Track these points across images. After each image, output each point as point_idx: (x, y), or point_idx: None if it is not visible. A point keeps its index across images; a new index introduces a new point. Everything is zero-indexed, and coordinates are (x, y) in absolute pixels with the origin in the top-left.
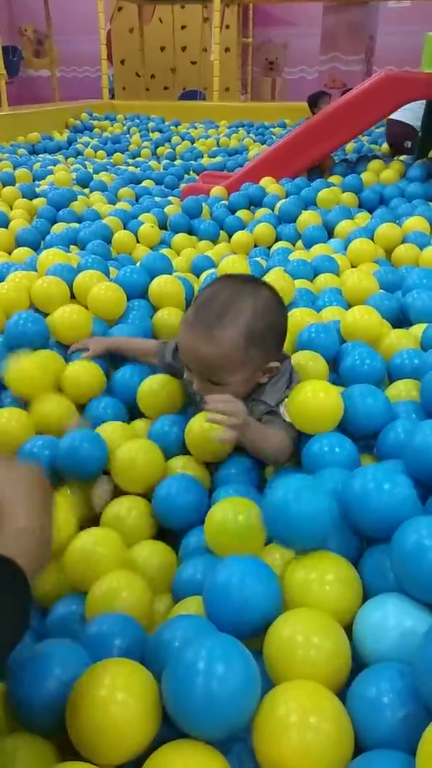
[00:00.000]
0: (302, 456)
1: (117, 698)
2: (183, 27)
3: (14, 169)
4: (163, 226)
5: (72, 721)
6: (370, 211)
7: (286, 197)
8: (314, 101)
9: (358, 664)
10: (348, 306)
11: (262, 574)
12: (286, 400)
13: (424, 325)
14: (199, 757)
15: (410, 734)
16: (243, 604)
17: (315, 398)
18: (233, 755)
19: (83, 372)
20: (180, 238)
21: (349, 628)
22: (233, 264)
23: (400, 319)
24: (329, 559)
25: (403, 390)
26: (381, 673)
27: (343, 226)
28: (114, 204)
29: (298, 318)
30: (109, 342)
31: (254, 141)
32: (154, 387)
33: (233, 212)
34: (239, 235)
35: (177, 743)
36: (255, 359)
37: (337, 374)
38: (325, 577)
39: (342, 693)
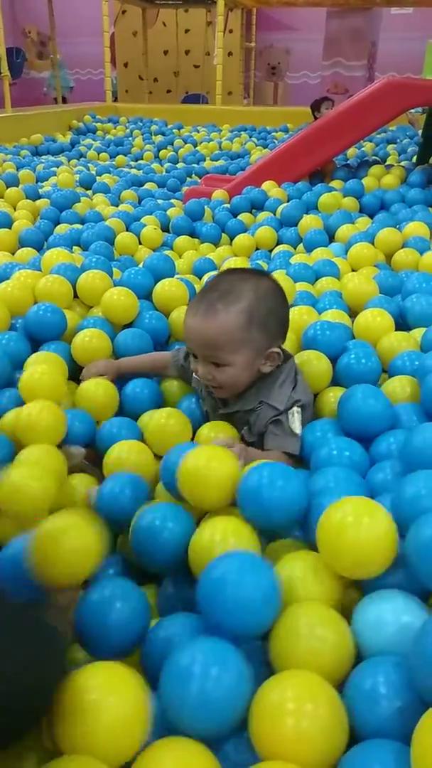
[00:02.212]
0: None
1: (106, 703)
2: (186, 31)
3: (17, 170)
4: (165, 229)
5: (60, 728)
6: (371, 216)
7: (288, 201)
8: (317, 106)
9: (356, 657)
10: (348, 309)
11: (260, 570)
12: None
13: (423, 329)
14: (188, 754)
15: (405, 725)
16: (239, 603)
17: (357, 525)
18: (230, 745)
19: (98, 391)
20: (182, 240)
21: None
22: (235, 266)
23: (399, 323)
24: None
25: (398, 386)
26: (377, 665)
27: (344, 231)
28: (117, 206)
29: (298, 316)
30: (120, 365)
31: (256, 145)
32: (161, 421)
33: (235, 215)
34: (241, 238)
35: (167, 740)
36: (256, 341)
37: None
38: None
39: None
